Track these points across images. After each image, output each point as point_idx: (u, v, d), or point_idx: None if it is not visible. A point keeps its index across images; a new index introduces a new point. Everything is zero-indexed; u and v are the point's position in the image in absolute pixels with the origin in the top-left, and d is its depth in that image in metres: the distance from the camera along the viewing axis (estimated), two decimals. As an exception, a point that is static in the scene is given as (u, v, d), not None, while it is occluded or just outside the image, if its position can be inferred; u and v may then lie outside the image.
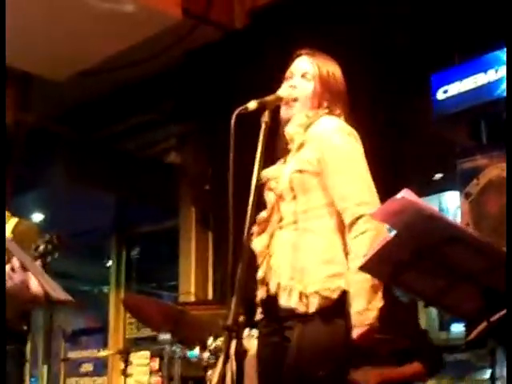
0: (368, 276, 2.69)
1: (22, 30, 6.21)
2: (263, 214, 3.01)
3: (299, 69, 3.10)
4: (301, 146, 3.00)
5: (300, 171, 2.94)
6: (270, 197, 3.03)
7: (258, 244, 2.99)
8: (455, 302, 2.41)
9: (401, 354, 4.51)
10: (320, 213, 2.92)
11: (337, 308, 2.81)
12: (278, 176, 3.01)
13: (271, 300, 2.90)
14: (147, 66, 7.11)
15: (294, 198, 2.94)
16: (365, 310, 2.76)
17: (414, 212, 2.03)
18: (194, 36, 6.71)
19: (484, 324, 2.45)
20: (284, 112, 3.06)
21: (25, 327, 3.98)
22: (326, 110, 3.04)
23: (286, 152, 3.08)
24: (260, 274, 2.96)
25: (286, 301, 2.83)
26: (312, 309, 2.80)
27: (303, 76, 3.08)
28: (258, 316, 3.02)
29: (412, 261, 2.23)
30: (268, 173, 3.04)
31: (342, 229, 2.88)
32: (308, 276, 2.83)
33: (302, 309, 2.80)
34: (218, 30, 6.68)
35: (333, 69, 3.12)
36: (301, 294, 2.81)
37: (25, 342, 4.04)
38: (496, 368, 2.60)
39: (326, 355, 2.79)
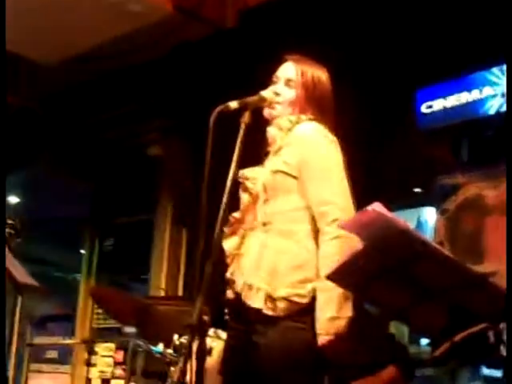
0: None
1: (14, 14, 6.16)
2: (236, 215, 3.00)
3: (284, 75, 3.10)
4: (279, 148, 3.00)
5: (275, 172, 2.94)
6: (244, 198, 3.03)
7: (228, 244, 2.98)
8: (420, 318, 2.41)
9: (373, 364, 4.49)
10: (295, 216, 2.91)
11: (305, 313, 2.80)
12: (254, 177, 3.00)
13: (238, 301, 2.88)
14: (134, 57, 7.08)
15: (268, 199, 2.93)
16: (334, 317, 2.75)
17: (384, 225, 2.02)
18: (183, 31, 6.68)
19: (451, 341, 2.44)
20: (267, 112, 3.07)
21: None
22: (310, 116, 3.03)
23: (267, 154, 3.08)
24: (228, 274, 2.95)
25: (252, 301, 2.82)
26: (280, 312, 2.79)
27: (287, 83, 3.08)
28: (226, 317, 3.02)
29: (379, 274, 2.22)
30: (245, 173, 3.02)
31: (316, 234, 2.87)
32: (278, 279, 2.82)
33: (268, 311, 2.80)
34: (208, 27, 6.66)
35: (318, 75, 3.11)
36: (268, 296, 2.80)
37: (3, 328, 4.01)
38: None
39: (293, 361, 2.78)
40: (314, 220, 2.89)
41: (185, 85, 7.19)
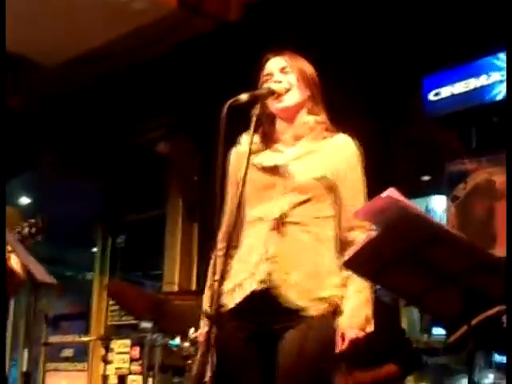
0: (365, 284, 2.84)
1: (15, 14, 6.17)
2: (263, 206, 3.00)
3: (276, 66, 3.13)
4: (312, 151, 3.04)
5: (321, 178, 2.98)
6: (278, 186, 3.01)
7: (254, 235, 3.00)
8: (436, 303, 2.42)
9: (377, 354, 4.53)
10: (328, 223, 3.00)
11: (336, 313, 2.91)
12: (286, 166, 3.01)
13: (265, 294, 2.89)
14: (139, 55, 7.07)
15: (309, 200, 2.97)
16: (370, 316, 2.92)
17: (399, 210, 2.04)
18: (187, 27, 6.68)
19: (464, 328, 2.46)
20: (275, 105, 3.07)
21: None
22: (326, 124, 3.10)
23: (272, 140, 3.11)
24: (253, 265, 2.94)
25: (295, 299, 2.86)
26: (320, 312, 2.87)
27: (282, 71, 3.11)
28: (231, 304, 2.97)
29: (395, 259, 2.24)
30: (272, 160, 3.03)
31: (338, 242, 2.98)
32: (320, 280, 2.90)
33: (311, 310, 2.86)
34: (211, 22, 6.66)
35: (302, 61, 3.17)
36: (312, 296, 2.88)
37: (4, 328, 4.04)
38: (475, 372, 2.62)
39: (325, 355, 2.89)
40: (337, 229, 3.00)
41: (190, 81, 7.20)
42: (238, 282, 2.96)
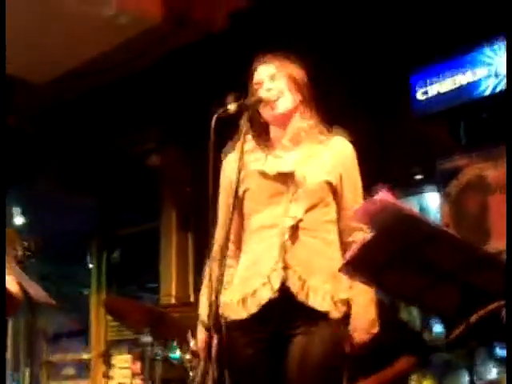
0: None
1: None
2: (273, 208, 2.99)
3: (265, 74, 3.13)
4: (312, 156, 3.04)
5: (327, 182, 3.00)
6: (286, 192, 2.99)
7: (261, 242, 2.99)
8: (434, 301, 2.42)
9: (386, 351, 4.52)
10: (333, 227, 3.02)
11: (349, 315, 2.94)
12: (293, 172, 2.99)
13: (284, 301, 2.88)
14: (125, 68, 7.07)
15: (317, 205, 2.98)
16: (375, 318, 2.99)
17: (393, 212, 2.04)
18: (173, 38, 6.69)
19: (464, 324, 2.46)
20: (268, 113, 3.08)
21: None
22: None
23: (268, 146, 3.10)
24: (265, 274, 2.91)
25: (318, 303, 2.86)
26: (339, 314, 2.90)
27: (272, 78, 3.11)
28: (243, 315, 2.95)
29: (391, 261, 2.24)
30: (275, 167, 3.01)
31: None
32: (338, 283, 2.90)
33: (333, 313, 2.88)
34: (197, 33, 6.66)
35: (291, 65, 3.17)
36: (333, 300, 2.89)
37: (4, 348, 4.03)
38: (476, 368, 2.63)
39: (339, 358, 2.91)
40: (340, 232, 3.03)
41: (178, 92, 7.20)
42: (250, 291, 2.92)
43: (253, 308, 2.91)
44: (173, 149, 7.91)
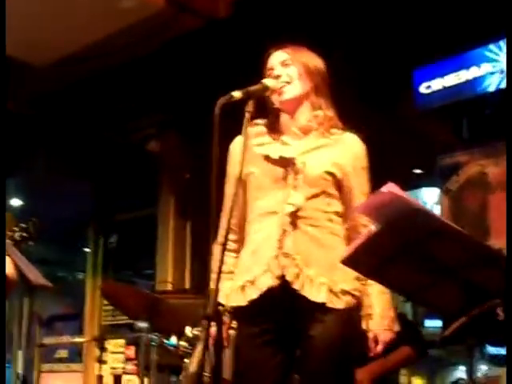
0: None
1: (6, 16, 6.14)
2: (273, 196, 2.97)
3: (277, 60, 3.10)
4: (320, 146, 3.02)
5: (330, 173, 2.97)
6: (289, 178, 2.97)
7: (264, 229, 2.96)
8: (436, 298, 2.41)
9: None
10: (337, 219, 2.99)
11: (359, 307, 2.93)
12: (296, 159, 2.97)
13: (285, 290, 2.86)
14: (128, 53, 7.04)
15: (319, 195, 2.95)
16: (394, 317, 2.98)
17: (399, 206, 2.02)
18: (175, 24, 6.66)
19: (460, 320, 2.45)
20: (276, 99, 3.05)
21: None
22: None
23: (278, 132, 3.08)
24: (266, 261, 2.89)
25: (314, 295, 2.84)
26: (339, 305, 2.86)
27: (283, 64, 3.08)
28: (242, 302, 2.94)
29: (395, 255, 2.23)
30: (280, 152, 2.99)
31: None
32: (337, 273, 2.86)
33: (330, 304, 2.84)
34: (200, 19, 6.63)
35: (306, 53, 3.14)
36: (330, 290, 2.85)
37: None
38: (473, 365, 2.62)
39: (349, 350, 2.90)
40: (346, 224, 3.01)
41: (180, 78, 7.18)
42: (250, 278, 2.91)
43: (252, 295, 2.89)
44: (173, 135, 7.90)
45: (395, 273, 2.33)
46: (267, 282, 2.87)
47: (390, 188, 2.00)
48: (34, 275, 3.37)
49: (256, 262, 2.92)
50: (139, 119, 8.02)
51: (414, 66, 5.86)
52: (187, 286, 7.70)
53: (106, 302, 8.54)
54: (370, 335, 2.92)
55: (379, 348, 2.92)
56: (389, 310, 2.96)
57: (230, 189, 3.07)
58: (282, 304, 2.87)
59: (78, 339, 9.02)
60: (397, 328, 2.97)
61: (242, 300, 2.92)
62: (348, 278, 2.87)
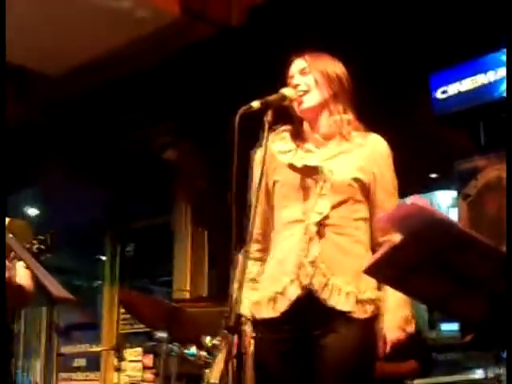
0: None
1: (17, 24, 6.15)
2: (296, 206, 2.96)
3: (296, 68, 3.10)
4: (344, 151, 3.01)
5: (356, 179, 2.96)
6: (314, 187, 2.96)
7: (291, 237, 2.94)
8: (459, 307, 2.39)
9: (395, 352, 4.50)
10: (363, 225, 2.98)
11: (380, 315, 2.90)
12: (321, 166, 2.95)
13: (310, 299, 2.85)
14: (143, 61, 7.06)
15: (345, 202, 2.94)
16: (409, 316, 2.94)
17: (424, 218, 2.01)
18: (190, 33, 6.67)
19: (483, 328, 2.44)
20: (296, 108, 3.05)
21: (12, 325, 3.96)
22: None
23: (302, 140, 3.08)
24: (293, 270, 2.88)
25: (341, 304, 2.83)
26: (366, 314, 2.85)
27: (302, 72, 3.08)
28: (271, 314, 2.92)
29: (418, 266, 2.21)
30: (305, 160, 2.98)
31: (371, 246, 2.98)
32: (362, 282, 2.85)
33: (358, 313, 2.84)
34: (214, 27, 6.65)
35: (327, 57, 3.14)
36: (357, 300, 2.84)
37: (11, 341, 4.02)
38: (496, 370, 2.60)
39: (369, 359, 2.90)
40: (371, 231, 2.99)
41: (195, 87, 7.19)
42: (279, 290, 2.90)
43: (282, 307, 2.88)
44: (189, 143, 7.90)
45: (417, 283, 2.31)
46: (296, 291, 2.86)
47: (415, 200, 1.99)
48: (56, 288, 3.36)
49: (283, 272, 2.91)
50: (155, 127, 8.03)
51: (430, 71, 5.84)
52: (205, 293, 7.69)
53: (123, 311, 8.56)
54: (380, 333, 2.90)
55: (387, 348, 2.89)
56: (403, 308, 2.91)
57: (254, 198, 3.04)
58: (305, 313, 2.86)
59: (95, 348, 9.04)
60: (410, 329, 2.92)
61: (272, 312, 2.91)
62: (372, 287, 2.87)
